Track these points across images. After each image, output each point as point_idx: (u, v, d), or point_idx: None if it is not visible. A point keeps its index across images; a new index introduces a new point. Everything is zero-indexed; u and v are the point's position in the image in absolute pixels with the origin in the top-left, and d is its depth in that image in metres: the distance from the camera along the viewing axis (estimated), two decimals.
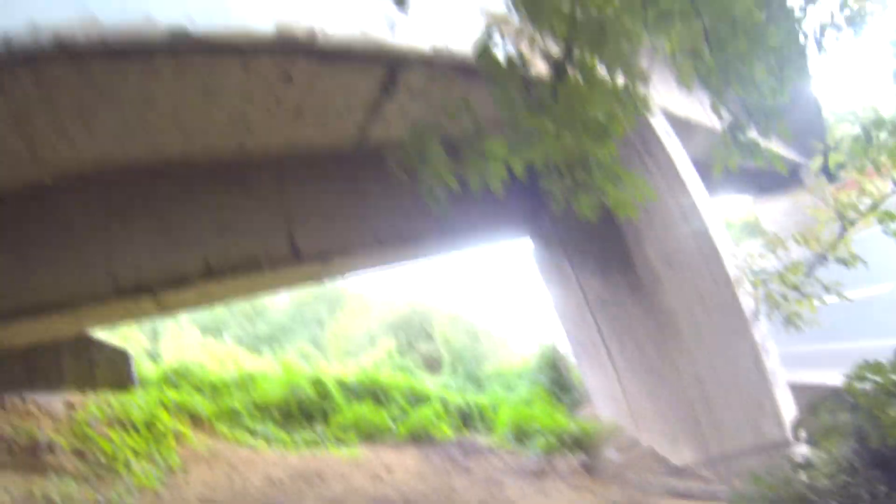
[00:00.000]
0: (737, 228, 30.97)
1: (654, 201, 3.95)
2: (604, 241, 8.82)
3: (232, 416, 11.95)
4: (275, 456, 10.41)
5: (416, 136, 3.12)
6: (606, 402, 11.86)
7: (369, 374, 16.33)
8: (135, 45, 4.23)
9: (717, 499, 6.82)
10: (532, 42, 2.76)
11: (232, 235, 6.93)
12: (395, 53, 5.43)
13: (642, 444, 10.04)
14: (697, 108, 10.60)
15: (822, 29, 3.54)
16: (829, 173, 6.69)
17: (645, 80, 2.58)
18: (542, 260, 12.31)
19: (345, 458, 10.49)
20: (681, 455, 8.62)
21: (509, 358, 24.13)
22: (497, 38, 2.93)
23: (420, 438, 12.06)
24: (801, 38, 3.88)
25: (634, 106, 2.58)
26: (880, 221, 5.16)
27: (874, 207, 5.13)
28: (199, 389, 12.74)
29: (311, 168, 7.51)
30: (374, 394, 14.82)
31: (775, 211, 25.44)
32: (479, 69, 2.73)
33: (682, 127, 9.40)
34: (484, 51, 2.67)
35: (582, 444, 10.42)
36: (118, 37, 4.09)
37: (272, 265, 7.17)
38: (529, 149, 2.78)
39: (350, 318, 30.99)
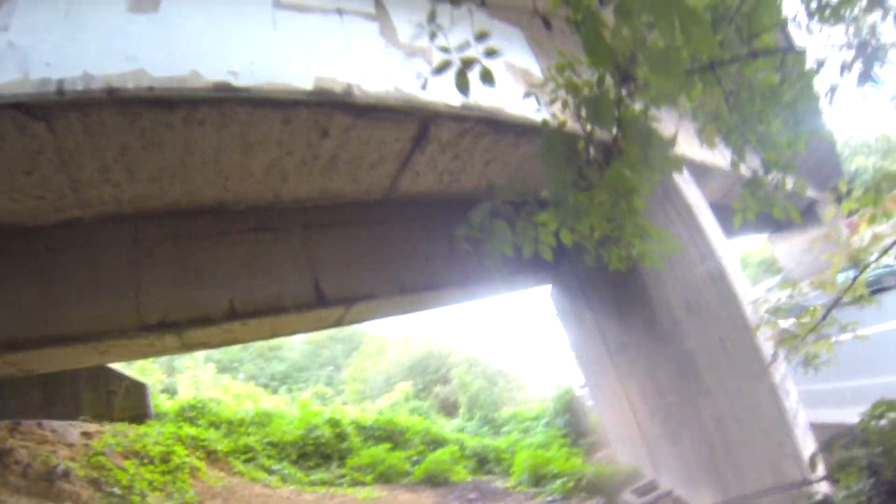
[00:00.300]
0: (753, 266, 30.92)
1: (679, 252, 4.14)
2: (624, 286, 8.95)
3: (247, 453, 12.02)
4: (290, 494, 10.44)
5: (480, 213, 3.42)
6: (625, 446, 11.81)
7: (386, 415, 16.41)
8: (180, 95, 4.50)
9: None
10: (586, 130, 2.98)
11: (258, 278, 7.07)
12: (427, 108, 5.63)
13: (661, 488, 9.99)
14: (714, 152, 10.80)
15: (834, 89, 3.76)
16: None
17: (677, 162, 2.78)
18: (560, 304, 12.41)
19: (361, 498, 10.51)
20: (701, 498, 8.58)
21: (526, 401, 24.06)
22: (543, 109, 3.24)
23: (436, 480, 12.07)
24: (814, 94, 4.10)
25: (667, 171, 2.80)
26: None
27: (885, 251, 5.27)
28: (214, 425, 12.86)
29: (339, 215, 7.72)
30: (391, 435, 14.89)
31: (791, 247, 25.48)
32: (541, 154, 2.95)
33: (700, 171, 9.61)
34: (550, 137, 2.91)
35: (599, 488, 10.43)
36: (165, 87, 4.37)
37: (296, 308, 7.28)
38: (576, 221, 3.02)
39: (367, 360, 31.01)
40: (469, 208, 7.69)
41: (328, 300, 7.48)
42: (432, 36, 2.75)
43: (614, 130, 2.62)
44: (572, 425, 16.85)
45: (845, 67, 3.49)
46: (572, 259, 10.11)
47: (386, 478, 12.24)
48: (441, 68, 2.75)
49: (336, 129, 5.50)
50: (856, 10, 4.02)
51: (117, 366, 11.47)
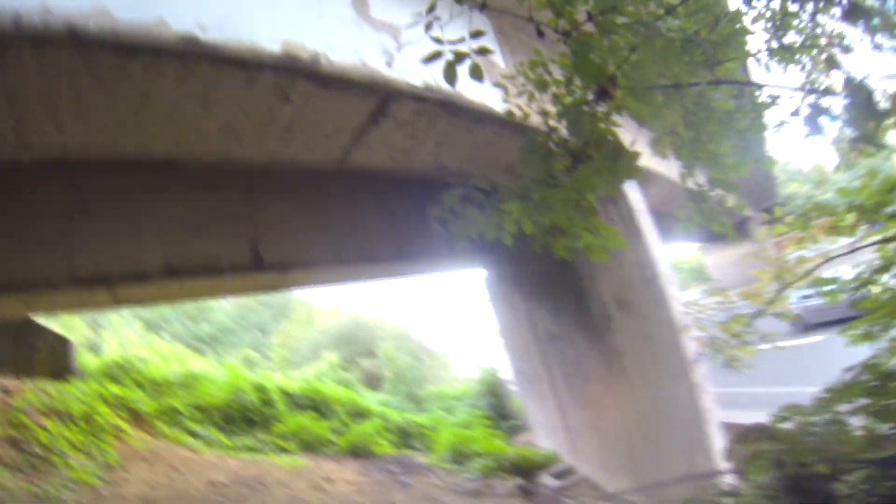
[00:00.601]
0: (684, 272, 32.10)
1: (624, 249, 4.35)
2: (559, 278, 9.17)
3: (173, 416, 11.78)
4: (215, 459, 10.33)
5: (452, 197, 3.62)
6: (546, 431, 12.21)
7: (312, 384, 16.33)
8: (144, 43, 4.26)
9: None
10: (556, 132, 3.13)
11: (198, 238, 6.98)
12: (390, 85, 5.61)
13: (578, 473, 10.40)
14: (658, 160, 11.14)
15: (782, 124, 4.01)
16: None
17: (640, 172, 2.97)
18: (494, 289, 12.62)
19: (286, 467, 10.50)
20: (617, 484, 9.00)
21: (451, 380, 24.32)
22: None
23: (360, 452, 12.14)
24: (764, 124, 4.38)
25: (630, 179, 2.99)
26: (814, 284, 5.66)
27: (807, 273, 5.70)
28: (140, 385, 12.53)
29: (286, 182, 7.65)
30: (316, 404, 14.83)
31: (721, 258, 26.69)
32: (521, 151, 3.09)
33: (645, 178, 9.89)
34: (532, 137, 3.06)
35: (519, 469, 10.74)
36: (130, 33, 4.13)
37: (234, 271, 7.25)
38: (540, 214, 3.17)
39: (295, 327, 30.67)
40: (416, 187, 7.78)
41: (266, 265, 7.43)
42: (428, 27, 2.83)
43: (587, 136, 2.77)
44: (495, 408, 17.20)
45: (795, 112, 3.73)
46: (511, 247, 10.30)
47: (310, 447, 12.23)
48: (432, 57, 2.84)
49: (297, 95, 5.39)
50: (811, 57, 4.32)
51: (41, 319, 11.04)
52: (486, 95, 6.23)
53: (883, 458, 3.16)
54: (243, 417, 12.87)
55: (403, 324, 30.22)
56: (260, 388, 13.87)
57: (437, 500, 9.05)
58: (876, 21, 3.56)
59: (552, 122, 3.20)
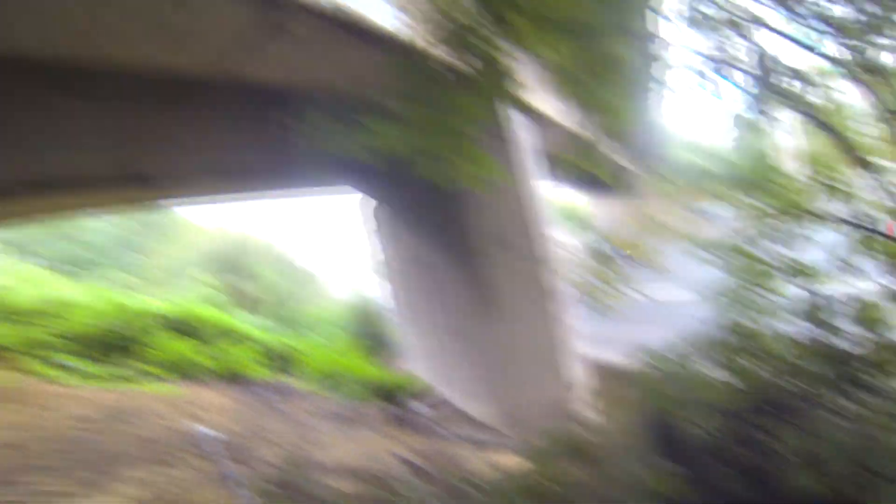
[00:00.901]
0: (572, 220, 33.19)
1: (506, 183, 4.42)
2: (441, 209, 9.15)
3: (40, 348, 11.05)
4: (88, 393, 9.80)
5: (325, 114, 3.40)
6: (420, 359, 12.56)
7: (190, 309, 15.80)
8: None
9: (508, 448, 7.56)
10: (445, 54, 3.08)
11: (63, 147, 6.41)
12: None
13: (449, 400, 10.87)
14: (554, 106, 11.31)
15: (681, 85, 4.17)
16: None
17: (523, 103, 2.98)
18: (376, 215, 12.56)
19: (161, 396, 10.17)
20: (483, 412, 9.51)
21: (329, 304, 24.23)
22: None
23: (236, 378, 11.92)
24: (662, 82, 4.53)
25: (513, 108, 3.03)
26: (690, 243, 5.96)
27: (681, 231, 6.00)
28: (3, 317, 11.66)
29: (162, 90, 7.07)
30: (193, 330, 14.35)
31: (606, 209, 27.88)
32: (403, 72, 2.99)
33: (537, 120, 10.04)
34: (417, 59, 2.98)
35: (392, 396, 11.04)
36: None
37: (102, 183, 6.82)
38: (419, 137, 3.13)
39: (173, 248, 29.27)
40: (301, 103, 7.47)
41: (136, 177, 7.03)
42: None
43: (477, 63, 2.74)
44: (372, 334, 17.35)
45: (697, 73, 3.86)
46: (393, 172, 10.27)
47: (187, 374, 11.86)
48: None
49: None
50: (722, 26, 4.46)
51: None
52: (381, 17, 6.05)
53: (737, 409, 3.42)
54: (117, 346, 12.22)
55: (286, 247, 29.55)
56: (136, 314, 13.24)
57: (311, 426, 9.08)
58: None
59: (443, 45, 3.15)
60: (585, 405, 6.37)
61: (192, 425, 8.59)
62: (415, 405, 10.85)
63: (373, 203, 12.35)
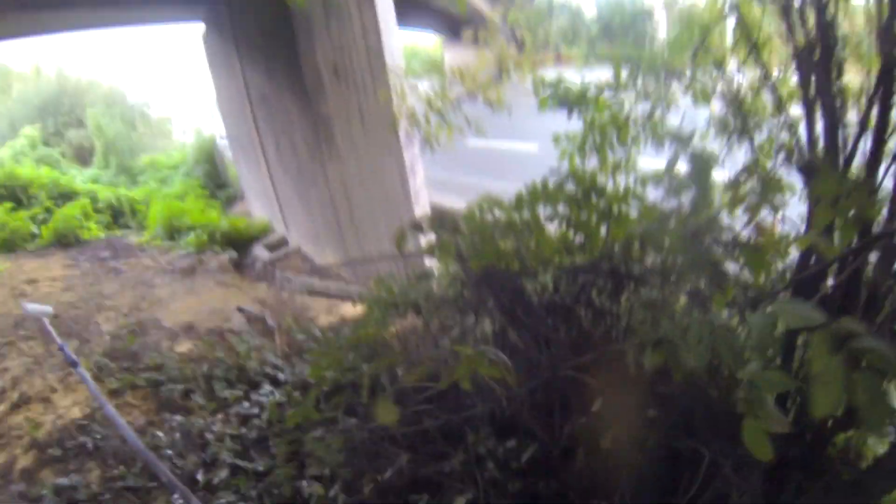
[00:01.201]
0: (422, 62, 32.37)
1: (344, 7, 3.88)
2: (275, 37, 8.34)
3: None
4: None
5: None
6: (260, 201, 12.05)
7: (8, 168, 14.00)
8: None
9: (350, 297, 7.55)
10: None
11: None
12: None
13: (291, 244, 10.53)
14: None
15: None
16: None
17: None
18: (211, 46, 11.44)
19: None
20: (324, 256, 9.30)
21: (167, 148, 22.64)
22: None
23: (67, 242, 10.74)
24: None
25: None
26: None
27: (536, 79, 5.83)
28: None
29: None
30: (13, 192, 12.84)
31: (458, 55, 27.37)
32: None
33: None
34: None
35: (233, 242, 10.55)
36: None
37: None
38: None
39: None
40: None
41: None
42: None
43: None
44: (211, 176, 16.66)
45: None
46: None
47: (8, 245, 10.52)
48: None
49: None
50: None
51: None
52: None
53: (572, 265, 3.38)
54: None
55: (117, 86, 26.63)
56: None
57: (148, 283, 8.44)
58: None
59: None
60: (423, 252, 6.38)
61: (16, 304, 7.65)
62: (257, 251, 10.50)
63: (209, 32, 11.09)
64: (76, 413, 4.21)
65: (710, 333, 1.42)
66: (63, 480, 3.36)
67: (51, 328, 3.22)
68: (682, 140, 3.03)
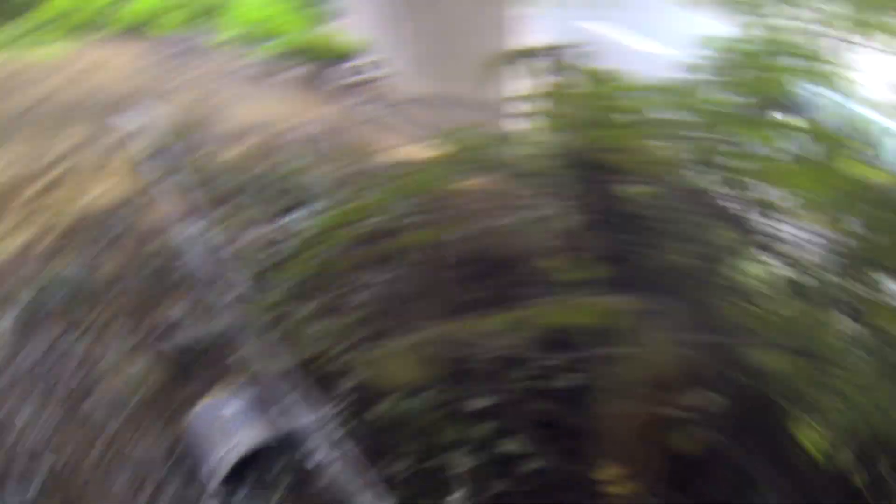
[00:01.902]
0: None
1: None
2: None
3: None
4: None
5: None
6: (361, 18, 10.76)
7: None
8: None
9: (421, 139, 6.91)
10: None
11: None
12: None
13: (381, 70, 9.68)
14: None
15: None
16: None
17: None
18: None
19: (38, 62, 8.73)
20: (419, 86, 8.60)
21: None
22: None
23: (141, 33, 10.34)
24: None
25: None
26: None
27: None
28: None
29: None
30: None
31: None
32: None
33: None
34: None
35: (315, 56, 9.77)
36: None
37: None
38: None
39: None
40: None
41: None
42: None
43: None
44: None
45: None
46: None
47: (78, 32, 10.19)
48: None
49: None
50: None
51: None
52: None
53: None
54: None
55: None
56: None
57: (213, 86, 8.06)
58: None
59: None
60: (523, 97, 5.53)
61: (81, 90, 7.53)
62: (339, 70, 9.60)
63: None
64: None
65: None
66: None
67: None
68: None
